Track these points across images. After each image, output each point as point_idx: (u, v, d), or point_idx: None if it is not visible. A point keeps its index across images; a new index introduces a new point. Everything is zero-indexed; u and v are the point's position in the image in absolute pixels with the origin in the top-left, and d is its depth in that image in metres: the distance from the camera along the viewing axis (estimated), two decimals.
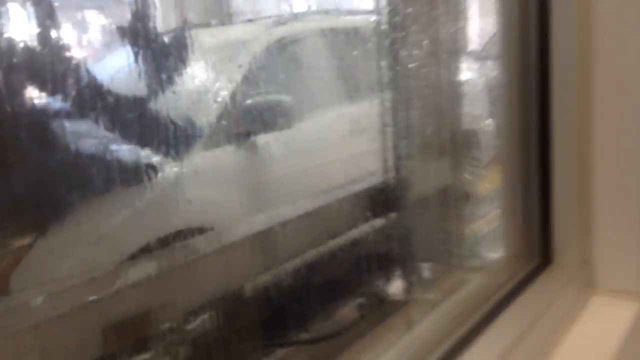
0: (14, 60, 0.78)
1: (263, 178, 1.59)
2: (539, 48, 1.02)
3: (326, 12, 1.62)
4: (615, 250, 1.06)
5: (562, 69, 1.01)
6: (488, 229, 1.41)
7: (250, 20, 1.58)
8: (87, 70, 0.95)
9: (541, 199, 1.02)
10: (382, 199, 1.39)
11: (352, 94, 1.71)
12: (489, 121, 1.49)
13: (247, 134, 1.58)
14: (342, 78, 1.72)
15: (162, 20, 1.54)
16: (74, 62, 0.92)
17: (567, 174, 1.02)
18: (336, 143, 1.69)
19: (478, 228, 1.41)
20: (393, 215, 1.34)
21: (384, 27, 1.30)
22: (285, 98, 1.71)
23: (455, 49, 1.37)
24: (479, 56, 1.60)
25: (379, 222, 1.39)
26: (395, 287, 1.32)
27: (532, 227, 1.02)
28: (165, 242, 1.27)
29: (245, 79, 1.70)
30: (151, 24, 1.01)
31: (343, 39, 1.66)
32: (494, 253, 1.26)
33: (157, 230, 1.26)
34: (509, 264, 1.01)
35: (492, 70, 1.51)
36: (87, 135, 1.02)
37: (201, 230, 1.53)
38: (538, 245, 1.02)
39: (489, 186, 1.47)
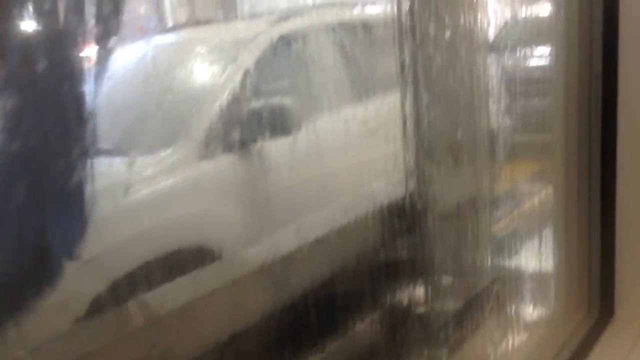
0: None
1: (264, 191, 1.43)
2: (605, 47, 0.85)
3: (336, 4, 1.45)
4: None
5: (632, 79, 0.85)
6: (509, 231, 1.29)
7: (251, 16, 1.40)
8: None
9: (601, 239, 0.86)
10: (403, 213, 1.23)
11: (366, 95, 1.55)
12: (506, 117, 1.37)
13: (246, 141, 1.42)
14: (354, 76, 1.55)
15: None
16: None
17: (632, 208, 0.86)
18: (348, 150, 1.53)
19: (499, 231, 1.28)
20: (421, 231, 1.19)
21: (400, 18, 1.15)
22: (288, 101, 1.54)
23: (475, 41, 1.23)
24: (492, 47, 1.47)
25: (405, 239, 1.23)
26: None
27: (590, 273, 0.87)
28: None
29: (245, 81, 1.53)
30: None
31: (356, 34, 1.49)
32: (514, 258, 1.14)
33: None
34: (563, 317, 0.85)
35: (507, 61, 1.37)
36: None
37: (199, 251, 1.38)
38: (597, 294, 0.86)
39: (506, 185, 1.35)
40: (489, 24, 1.08)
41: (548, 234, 0.93)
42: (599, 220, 0.84)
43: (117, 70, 1.13)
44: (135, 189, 1.05)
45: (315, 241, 1.23)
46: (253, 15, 1.51)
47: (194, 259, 1.21)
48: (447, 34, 1.02)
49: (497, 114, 1.15)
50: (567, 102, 0.83)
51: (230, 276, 1.22)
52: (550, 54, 0.92)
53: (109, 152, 1.21)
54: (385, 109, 1.36)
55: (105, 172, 1.07)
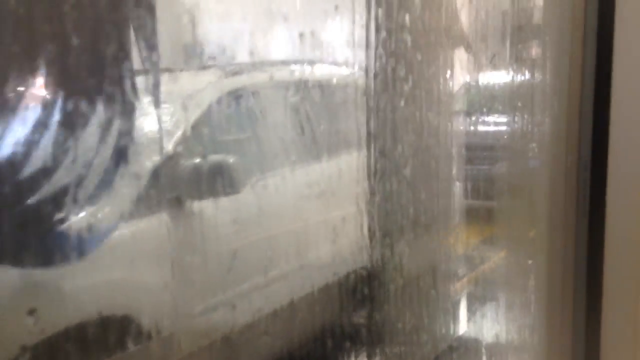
0: None
1: (202, 255, 1.28)
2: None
3: (291, 62, 1.38)
4: None
5: (622, 166, 0.78)
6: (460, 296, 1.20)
7: (201, 68, 1.30)
8: None
9: (586, 332, 0.77)
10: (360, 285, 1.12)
11: (320, 157, 1.46)
12: (456, 184, 1.32)
13: (180, 199, 1.29)
14: (309, 137, 1.46)
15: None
16: None
17: (617, 303, 0.78)
18: (294, 218, 1.42)
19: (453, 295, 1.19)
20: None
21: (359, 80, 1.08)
22: (229, 159, 1.43)
23: (438, 106, 1.16)
24: (467, 112, 1.44)
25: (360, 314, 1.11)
26: None
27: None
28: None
29: (186, 134, 1.42)
30: None
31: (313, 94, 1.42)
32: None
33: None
34: None
35: (461, 125, 1.32)
36: None
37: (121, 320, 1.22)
38: None
39: (456, 251, 1.28)
40: (459, 86, 1.02)
41: (531, 318, 0.84)
42: (584, 312, 0.76)
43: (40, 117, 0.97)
44: None
45: (257, 312, 1.08)
46: (202, 68, 1.40)
47: (113, 334, 1.02)
48: (412, 96, 0.96)
49: (468, 177, 1.08)
50: (552, 171, 0.76)
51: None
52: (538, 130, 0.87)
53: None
54: (339, 171, 1.26)
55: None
